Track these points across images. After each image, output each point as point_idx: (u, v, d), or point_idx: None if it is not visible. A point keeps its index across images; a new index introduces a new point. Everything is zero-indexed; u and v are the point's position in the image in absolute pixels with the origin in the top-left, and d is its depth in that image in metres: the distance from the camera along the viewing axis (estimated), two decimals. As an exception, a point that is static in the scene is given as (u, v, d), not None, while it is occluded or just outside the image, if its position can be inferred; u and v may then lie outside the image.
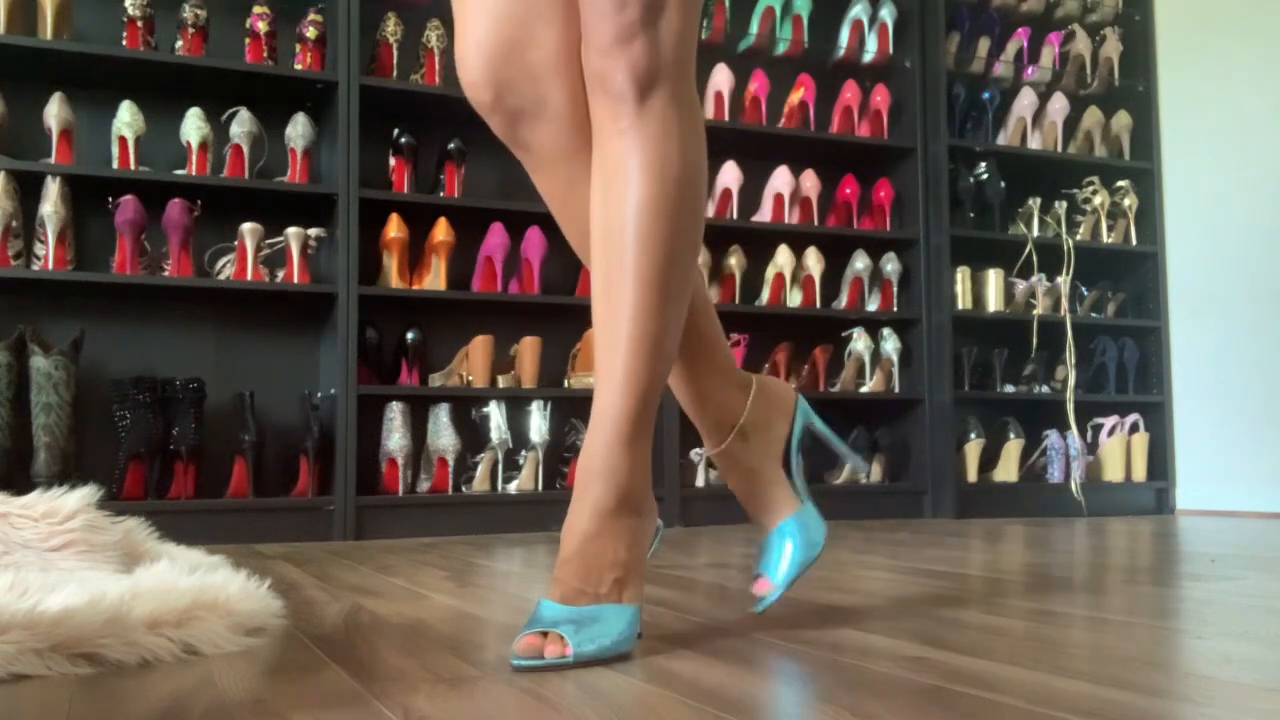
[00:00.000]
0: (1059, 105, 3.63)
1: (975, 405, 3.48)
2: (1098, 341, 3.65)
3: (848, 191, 3.46)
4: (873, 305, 3.45)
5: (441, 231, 2.84)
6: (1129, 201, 3.70)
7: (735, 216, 3.26)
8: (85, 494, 1.45)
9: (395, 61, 2.94)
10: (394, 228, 2.82)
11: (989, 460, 3.46)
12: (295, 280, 2.71)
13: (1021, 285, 3.57)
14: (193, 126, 2.68)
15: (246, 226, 2.68)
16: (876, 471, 3.35)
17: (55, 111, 2.57)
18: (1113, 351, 3.63)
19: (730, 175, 3.24)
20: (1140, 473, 3.59)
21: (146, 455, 2.53)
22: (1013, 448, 3.42)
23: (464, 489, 2.86)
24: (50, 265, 2.51)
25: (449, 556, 2.17)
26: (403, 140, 2.87)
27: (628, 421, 1.07)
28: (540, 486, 2.91)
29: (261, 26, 2.80)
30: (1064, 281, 3.58)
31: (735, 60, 3.40)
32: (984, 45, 3.64)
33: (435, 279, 2.87)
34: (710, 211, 3.25)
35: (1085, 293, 3.73)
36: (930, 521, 3.20)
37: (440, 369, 2.96)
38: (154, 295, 2.73)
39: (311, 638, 1.18)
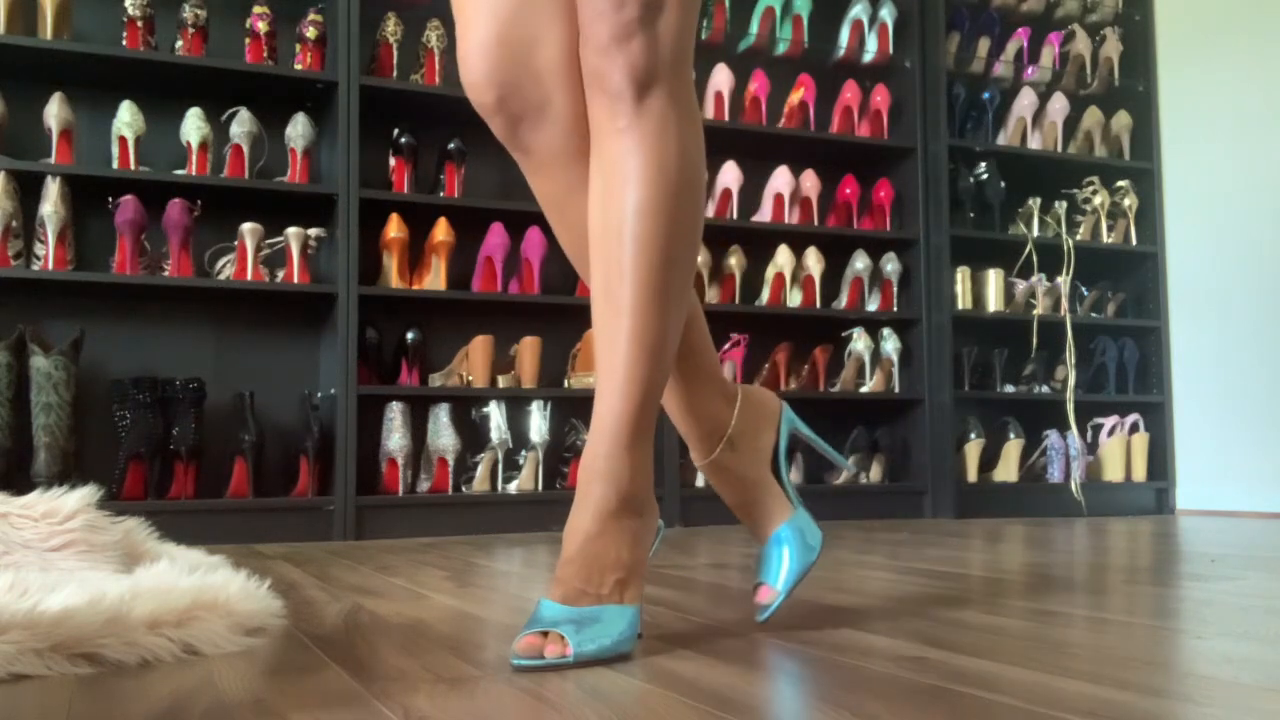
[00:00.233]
0: (1059, 105, 3.63)
1: (975, 405, 3.48)
2: (1098, 341, 3.65)
3: (848, 191, 3.46)
4: (873, 305, 3.45)
5: (441, 231, 2.84)
6: (1129, 201, 3.70)
7: (735, 216, 3.26)
8: (85, 494, 1.45)
9: (395, 61, 2.94)
10: (394, 228, 2.82)
11: (989, 460, 3.46)
12: (295, 280, 2.71)
13: (1021, 285, 3.57)
14: (193, 126, 2.68)
15: (246, 226, 2.68)
16: (876, 471, 3.35)
17: (55, 111, 2.57)
18: (1113, 351, 3.63)
19: (730, 175, 3.24)
20: (1140, 473, 3.59)
21: (146, 455, 2.53)
22: (1013, 448, 3.42)
23: (464, 489, 2.86)
24: (50, 265, 2.51)
25: (449, 556, 2.17)
26: (403, 140, 2.87)
27: (628, 423, 1.07)
28: (540, 486, 2.91)
29: (261, 26, 2.80)
30: (1064, 281, 3.58)
31: (735, 60, 3.40)
32: (984, 45, 3.64)
33: (435, 279, 2.87)
34: (710, 211, 3.25)
35: (1085, 293, 3.73)
36: (930, 521, 3.20)
37: (440, 369, 2.96)
38: (154, 295, 2.73)
39: (311, 638, 1.18)
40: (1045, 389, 3.58)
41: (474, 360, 2.89)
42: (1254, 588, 1.58)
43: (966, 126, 3.59)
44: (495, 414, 2.85)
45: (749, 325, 3.27)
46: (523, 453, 2.93)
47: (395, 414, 2.77)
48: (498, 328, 3.04)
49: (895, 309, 3.42)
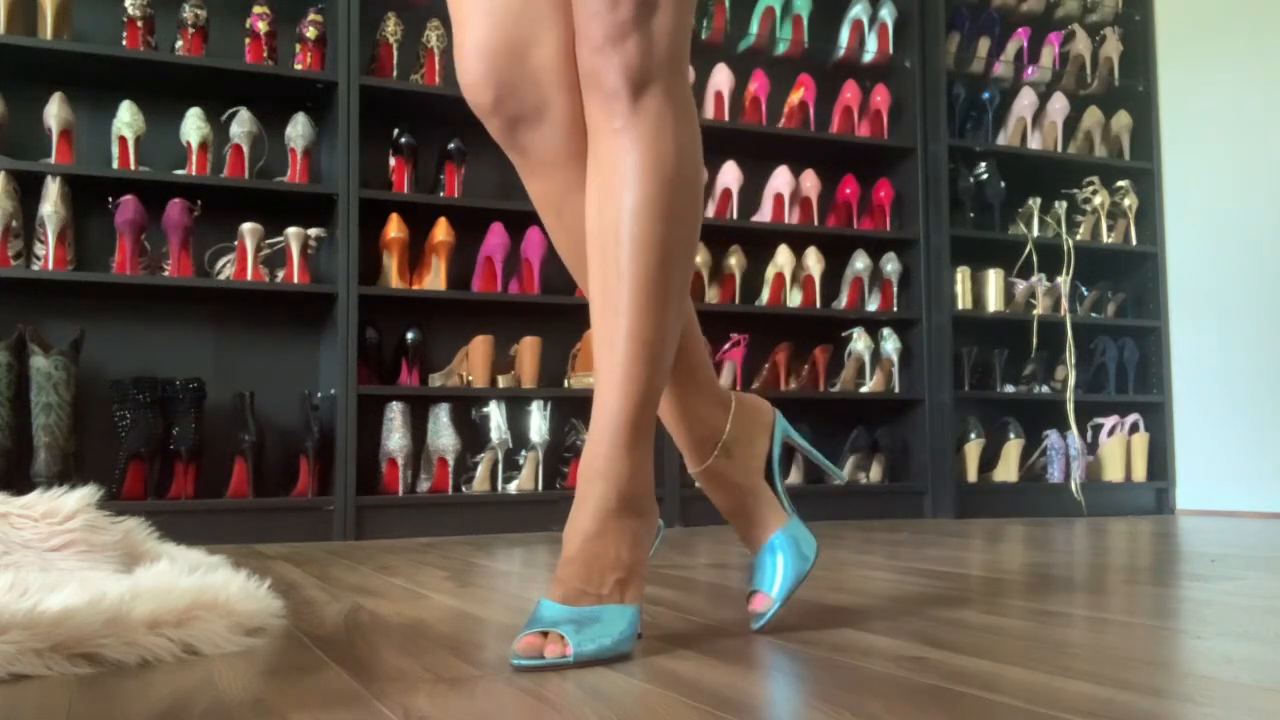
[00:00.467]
0: (1059, 105, 3.63)
1: (975, 405, 3.48)
2: (1098, 341, 3.65)
3: (848, 191, 3.46)
4: (873, 305, 3.45)
5: (441, 231, 2.84)
6: (1129, 201, 3.70)
7: (735, 216, 3.26)
8: (85, 494, 1.45)
9: (395, 61, 2.94)
10: (394, 228, 2.82)
11: (989, 460, 3.46)
12: (295, 280, 2.71)
13: (1021, 285, 3.57)
14: (193, 126, 2.68)
15: (246, 226, 2.68)
16: (876, 471, 3.35)
17: (55, 111, 2.57)
18: (1113, 351, 3.63)
19: (730, 175, 3.24)
20: (1140, 473, 3.59)
21: (146, 455, 2.53)
22: (1013, 448, 3.42)
23: (464, 489, 2.86)
24: (50, 265, 2.51)
25: (449, 556, 2.17)
26: (403, 140, 2.87)
27: (628, 424, 1.07)
28: (540, 486, 2.91)
29: (261, 26, 2.80)
30: (1064, 281, 3.58)
31: (735, 60, 3.40)
32: (984, 45, 3.64)
33: (435, 279, 2.87)
34: (710, 211, 3.25)
35: (1085, 293, 3.73)
36: (930, 521, 3.20)
37: (440, 369, 2.96)
38: (154, 295, 2.73)
39: (311, 638, 1.18)
40: (1045, 389, 3.58)
41: (474, 360, 2.89)
42: (1254, 588, 1.58)
43: (966, 126, 3.59)
44: (495, 414, 2.85)
45: (749, 325, 3.27)
46: (523, 453, 2.93)
47: (395, 414, 2.77)
48: (498, 328, 3.04)
49: (895, 309, 3.42)
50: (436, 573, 1.86)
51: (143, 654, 1.04)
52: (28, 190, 2.56)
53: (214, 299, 2.82)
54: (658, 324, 1.08)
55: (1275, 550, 2.19)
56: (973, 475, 3.36)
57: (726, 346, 3.22)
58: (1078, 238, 3.64)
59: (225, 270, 2.78)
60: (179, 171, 2.73)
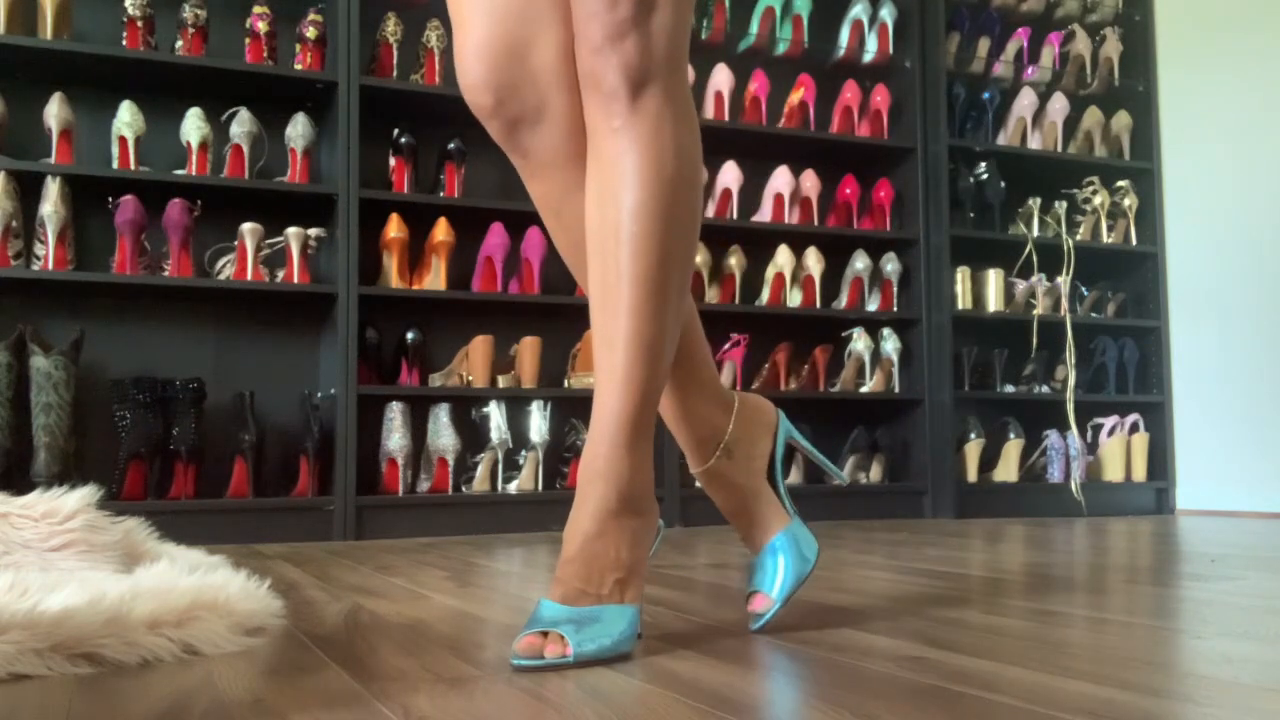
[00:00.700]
0: (1059, 105, 3.63)
1: (975, 405, 3.48)
2: (1098, 341, 3.65)
3: (848, 191, 3.46)
4: (873, 305, 3.45)
5: (441, 231, 2.84)
6: (1129, 201, 3.70)
7: (735, 216, 3.26)
8: (85, 494, 1.45)
9: (395, 61, 2.94)
10: (394, 228, 2.82)
11: (989, 460, 3.46)
12: (295, 280, 2.71)
13: (1021, 285, 3.57)
14: (193, 126, 2.68)
15: (246, 226, 2.68)
16: (876, 471, 3.35)
17: (55, 111, 2.57)
18: (1113, 351, 3.63)
19: (730, 175, 3.24)
20: (1140, 473, 3.59)
21: (146, 455, 2.53)
22: (1013, 448, 3.42)
23: (464, 489, 2.86)
24: (50, 265, 2.51)
25: (449, 556, 2.17)
26: (403, 140, 2.87)
27: (628, 423, 1.08)
28: (540, 486, 2.91)
29: (261, 26, 2.80)
30: (1064, 281, 3.58)
31: (735, 60, 3.40)
32: (984, 45, 3.64)
33: (435, 279, 2.87)
34: (710, 211, 3.25)
35: (1085, 293, 3.73)
36: (930, 521, 3.20)
37: (440, 369, 2.96)
38: (154, 295, 2.73)
39: (311, 638, 1.18)
40: (1045, 389, 3.58)
41: (474, 360, 2.89)
42: (1254, 588, 1.58)
43: (966, 126, 3.59)
44: (495, 414, 2.85)
45: (749, 325, 3.27)
46: (523, 453, 2.93)
47: (395, 414, 2.77)
48: (498, 328, 3.04)
49: (895, 309, 3.42)
50: (436, 573, 1.86)
51: (143, 654, 1.04)
52: (28, 190, 2.56)
53: (214, 299, 2.82)
54: (658, 323, 1.08)
55: (1275, 550, 2.19)
56: (973, 475, 3.36)
57: (726, 346, 3.22)
58: (1078, 238, 3.64)
59: (225, 270, 2.78)
60: (179, 171, 2.73)
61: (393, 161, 2.90)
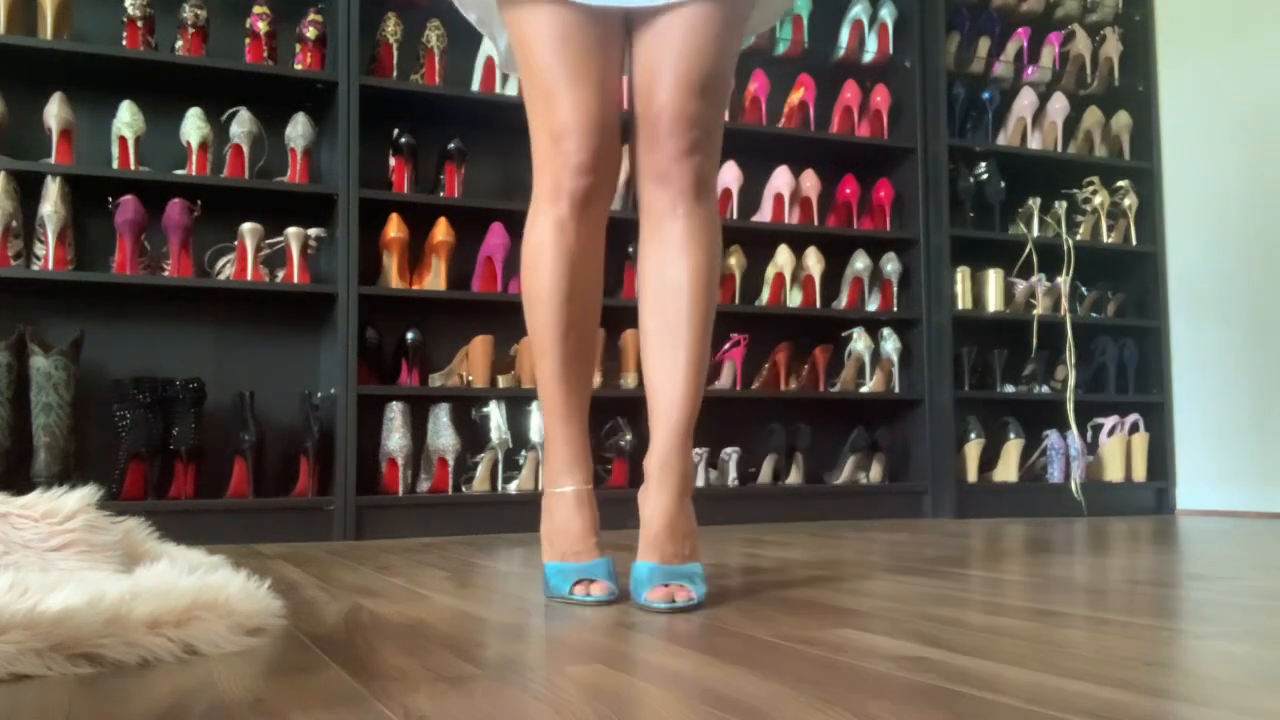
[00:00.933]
0: (1059, 105, 3.63)
1: (975, 405, 3.48)
2: (1098, 341, 3.65)
3: (848, 191, 3.46)
4: (873, 305, 3.45)
5: (441, 231, 2.84)
6: (1129, 201, 3.70)
7: (735, 216, 3.26)
8: (85, 494, 1.45)
9: (395, 61, 2.94)
10: (394, 228, 2.82)
11: (989, 460, 3.46)
12: (295, 280, 2.71)
13: (1021, 285, 3.57)
14: (193, 126, 2.68)
15: (246, 226, 2.68)
16: (876, 471, 3.35)
17: (55, 111, 2.57)
18: (1113, 351, 3.63)
19: (730, 175, 3.24)
20: (1140, 473, 3.59)
21: (146, 455, 2.53)
22: (1013, 448, 3.42)
23: (464, 489, 2.86)
24: (50, 265, 2.51)
25: (449, 556, 2.17)
26: (403, 140, 2.87)
27: (687, 426, 1.45)
28: (540, 486, 2.91)
29: (261, 26, 2.80)
30: (1064, 281, 3.58)
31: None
32: (984, 45, 3.64)
33: (435, 279, 2.87)
34: (710, 211, 3.24)
35: (1085, 293, 3.73)
36: (930, 521, 3.20)
37: (440, 369, 2.96)
38: (154, 295, 2.73)
39: (311, 638, 1.18)
40: (1045, 389, 3.58)
41: (474, 360, 2.89)
42: (1254, 588, 1.58)
43: (966, 126, 3.59)
44: (495, 414, 2.85)
45: (749, 325, 3.27)
46: (523, 453, 2.93)
47: (395, 414, 2.77)
48: (498, 328, 3.04)
49: (895, 309, 3.42)
50: (436, 573, 1.86)
51: (143, 654, 1.04)
52: (28, 190, 2.56)
53: (214, 299, 2.82)
54: (706, 352, 1.48)
55: (1275, 550, 2.19)
56: (973, 475, 3.36)
57: (726, 346, 3.22)
58: (1078, 238, 3.64)
59: (225, 270, 2.78)
60: (179, 171, 2.73)
61: (393, 161, 2.90)
